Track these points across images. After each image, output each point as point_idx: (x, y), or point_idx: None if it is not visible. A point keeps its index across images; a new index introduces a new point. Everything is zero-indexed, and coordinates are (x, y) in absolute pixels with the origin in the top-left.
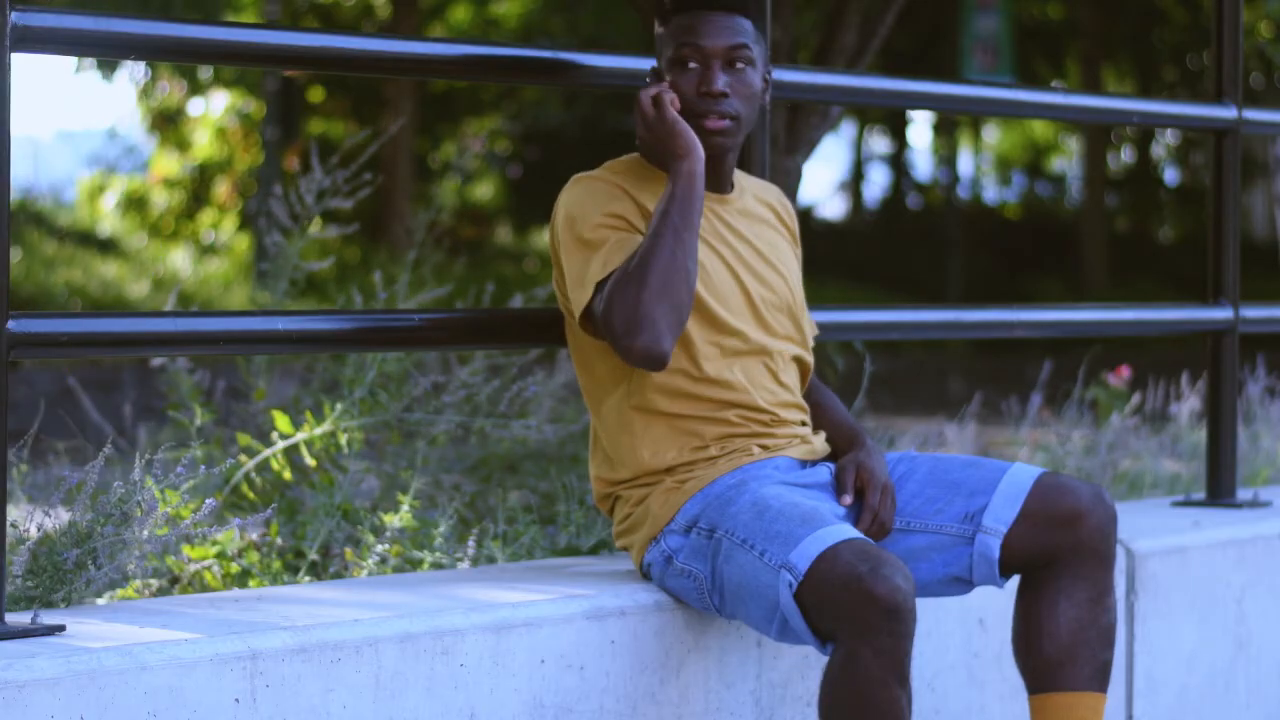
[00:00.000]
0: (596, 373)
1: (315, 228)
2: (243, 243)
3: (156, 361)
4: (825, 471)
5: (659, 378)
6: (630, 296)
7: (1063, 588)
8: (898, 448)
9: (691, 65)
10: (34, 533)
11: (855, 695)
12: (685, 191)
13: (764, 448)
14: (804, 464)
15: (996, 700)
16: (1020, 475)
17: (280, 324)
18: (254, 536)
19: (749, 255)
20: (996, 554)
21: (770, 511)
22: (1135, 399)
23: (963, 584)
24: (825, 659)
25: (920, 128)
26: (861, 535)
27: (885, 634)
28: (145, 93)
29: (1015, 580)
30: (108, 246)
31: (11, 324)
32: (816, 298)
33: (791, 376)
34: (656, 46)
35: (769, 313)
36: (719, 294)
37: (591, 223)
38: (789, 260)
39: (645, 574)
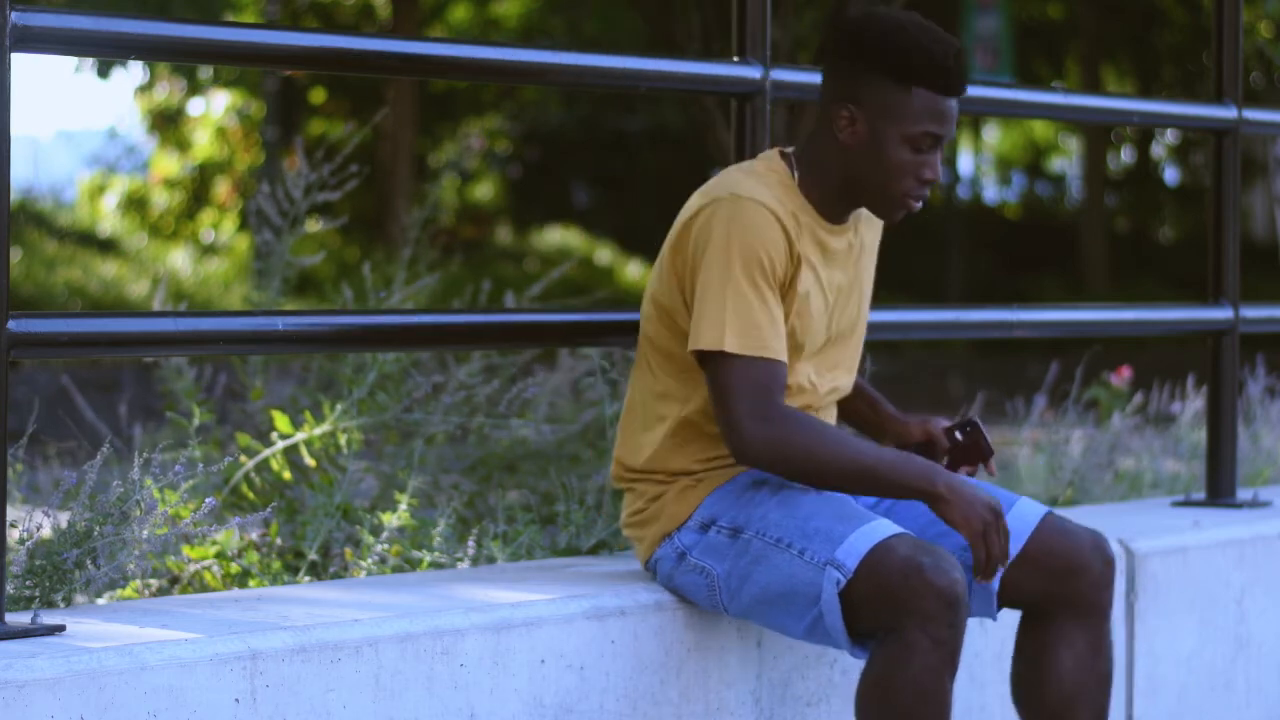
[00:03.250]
0: (668, 375)
1: (306, 224)
2: (243, 243)
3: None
4: None
5: None
6: (795, 447)
7: (1063, 635)
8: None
9: (925, 147)
10: (34, 533)
11: (911, 684)
12: (902, 487)
13: None
14: None
15: (997, 700)
16: (1026, 513)
17: (280, 324)
18: (254, 536)
19: (844, 287)
20: (995, 588)
21: (803, 509)
22: (1137, 399)
23: None
24: (829, 660)
25: None
26: (900, 530)
27: (946, 625)
28: (144, 89)
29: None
30: (108, 246)
31: (11, 324)
32: None
33: (830, 416)
34: (865, 89)
35: (836, 348)
36: (810, 336)
37: (748, 269)
38: (870, 283)
39: (650, 570)
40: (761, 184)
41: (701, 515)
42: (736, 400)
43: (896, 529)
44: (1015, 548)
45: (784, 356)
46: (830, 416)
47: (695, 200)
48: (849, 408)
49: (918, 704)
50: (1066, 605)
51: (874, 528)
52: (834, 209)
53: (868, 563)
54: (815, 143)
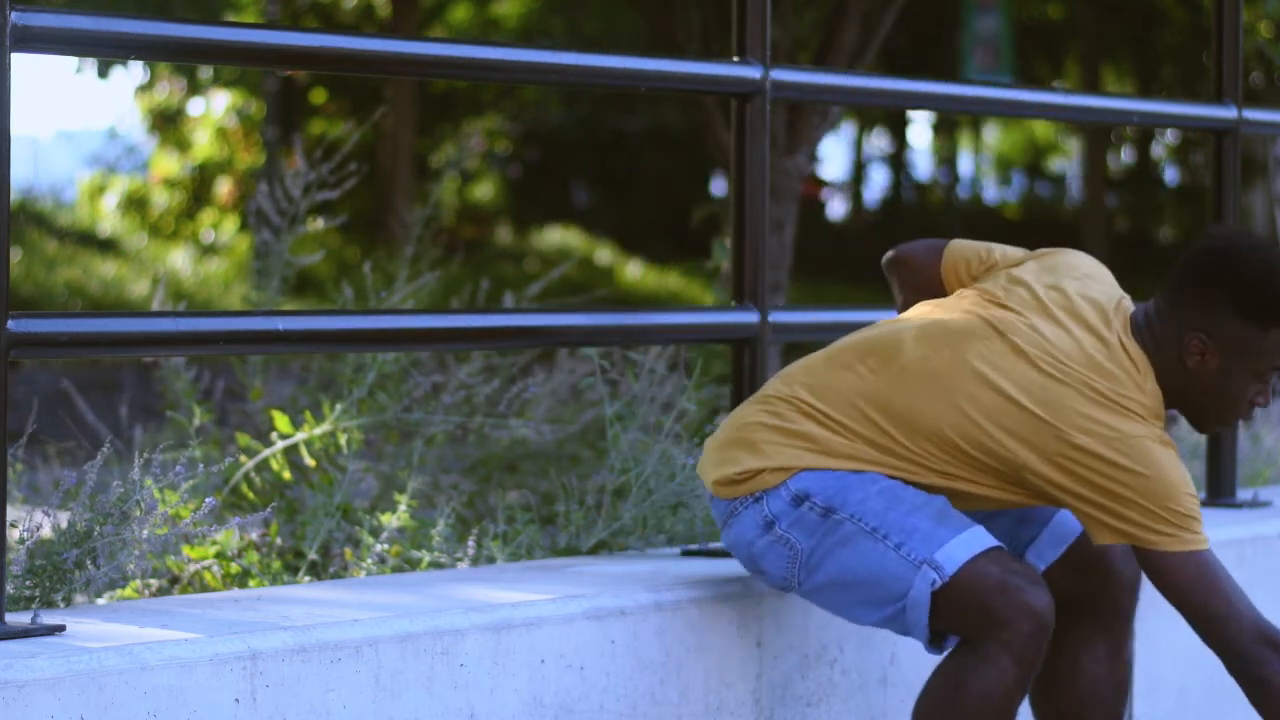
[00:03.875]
0: (947, 473)
1: (306, 223)
2: (243, 243)
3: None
4: None
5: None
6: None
7: (1084, 640)
8: None
9: (1268, 377)
10: (33, 533)
11: (986, 698)
12: None
13: None
14: None
15: None
16: (1072, 518)
17: (279, 324)
18: (254, 536)
19: None
20: None
21: (903, 504)
22: None
23: None
24: (829, 660)
25: (920, 128)
26: (997, 543)
27: (1032, 648)
28: (144, 89)
29: None
30: (108, 246)
31: (11, 324)
32: (817, 298)
33: None
34: (1222, 324)
35: None
36: None
37: (1192, 518)
38: None
39: (721, 515)
40: (1160, 429)
41: (796, 487)
42: (1228, 613)
43: (994, 541)
44: (1056, 551)
45: None
46: None
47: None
48: None
49: (985, 715)
50: (1094, 607)
51: (974, 536)
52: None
53: (965, 571)
54: (1162, 352)
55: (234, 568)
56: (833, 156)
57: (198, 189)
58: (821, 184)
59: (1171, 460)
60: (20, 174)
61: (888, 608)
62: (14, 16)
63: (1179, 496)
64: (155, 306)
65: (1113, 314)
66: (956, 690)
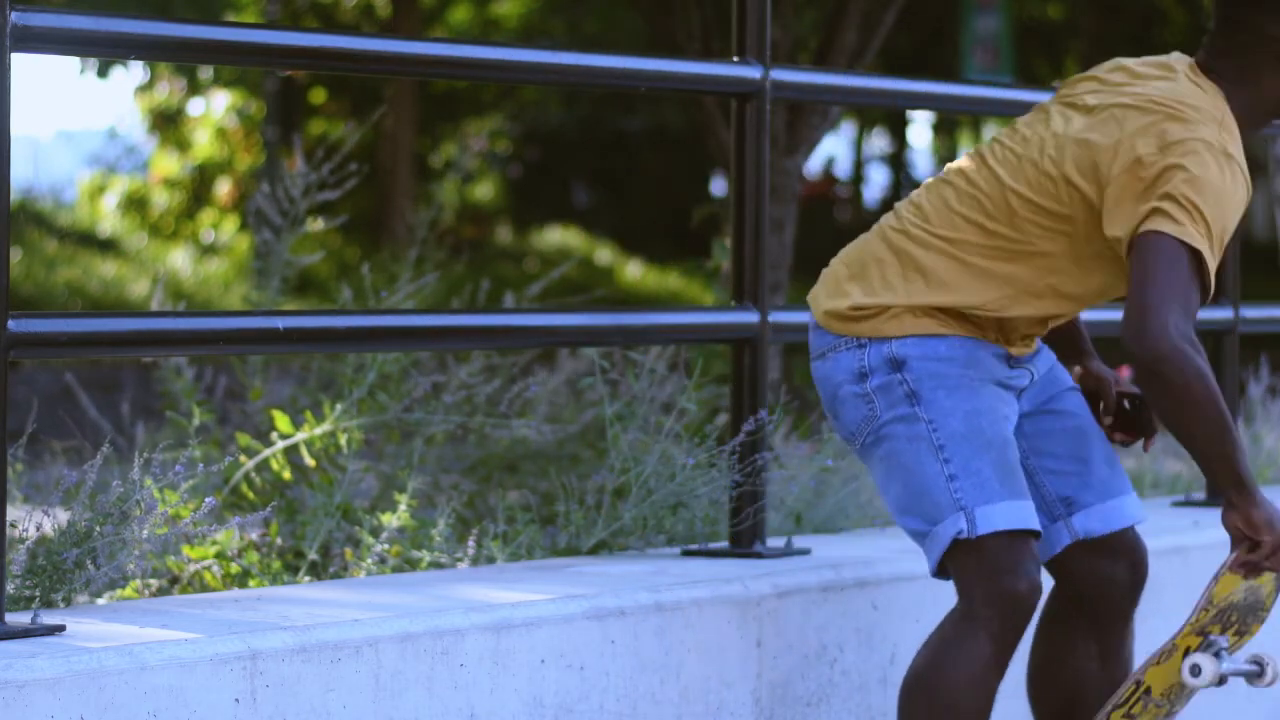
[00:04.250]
0: (1036, 250)
1: (306, 223)
2: (243, 243)
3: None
4: (1025, 377)
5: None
6: (1194, 366)
7: (1082, 635)
8: None
9: None
10: (33, 532)
11: (967, 672)
12: (1224, 462)
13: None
14: (1012, 360)
15: (996, 700)
16: (1129, 509)
17: (279, 324)
18: (254, 536)
19: None
20: (1053, 552)
21: (979, 439)
22: None
23: None
24: (829, 660)
25: (920, 128)
26: (1036, 525)
27: (1011, 630)
28: (144, 89)
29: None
30: (108, 246)
31: (11, 324)
32: None
33: None
34: None
35: None
36: None
37: (1214, 223)
38: None
39: (819, 353)
40: (1226, 133)
41: (898, 351)
42: (1173, 291)
43: (1034, 524)
44: (1102, 528)
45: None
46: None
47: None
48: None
49: (964, 688)
50: (1089, 609)
51: (1018, 511)
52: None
53: (990, 540)
54: (1229, 79)
55: (234, 568)
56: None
57: (198, 189)
58: (834, 181)
59: (1222, 168)
60: (20, 174)
61: (913, 520)
62: (14, 16)
63: (1207, 194)
64: (155, 306)
65: (1174, 62)
66: (938, 666)
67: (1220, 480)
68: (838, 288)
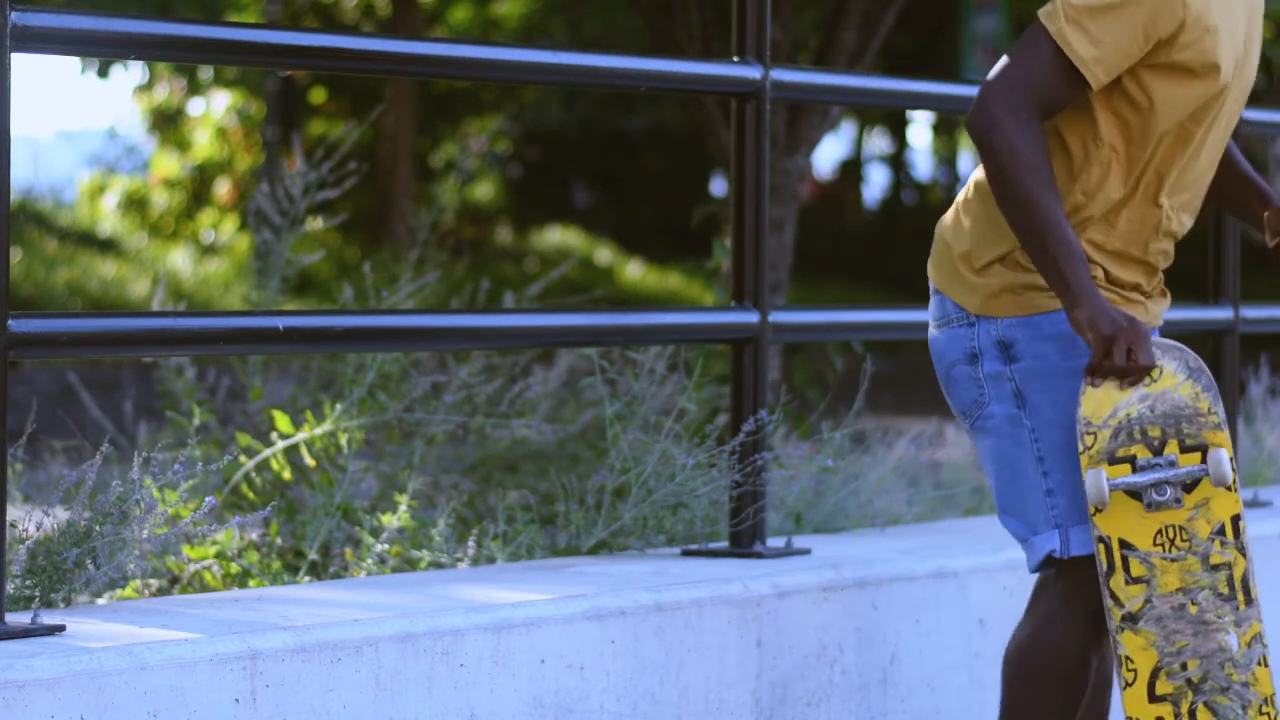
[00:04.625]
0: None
1: (306, 223)
2: (243, 243)
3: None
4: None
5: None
6: (1003, 145)
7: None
8: (896, 449)
9: None
10: (33, 532)
11: (1060, 641)
12: (1050, 263)
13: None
14: None
15: (996, 700)
16: None
17: (279, 324)
18: (254, 536)
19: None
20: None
21: (1078, 450)
22: None
23: None
24: (829, 660)
25: (920, 128)
26: None
27: (1095, 640)
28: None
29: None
30: (108, 246)
31: (11, 324)
32: (816, 297)
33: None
34: None
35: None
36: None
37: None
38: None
39: (935, 322)
40: None
41: (1004, 331)
42: (1015, 69)
43: None
44: None
45: (1095, 86)
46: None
47: None
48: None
49: (1049, 676)
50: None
51: None
52: None
53: (1078, 566)
54: None
55: (234, 568)
56: (832, 156)
57: (198, 189)
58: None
59: None
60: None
61: (1013, 522)
62: (14, 16)
63: None
64: (155, 306)
65: None
66: (1036, 640)
67: (1042, 274)
68: (943, 246)
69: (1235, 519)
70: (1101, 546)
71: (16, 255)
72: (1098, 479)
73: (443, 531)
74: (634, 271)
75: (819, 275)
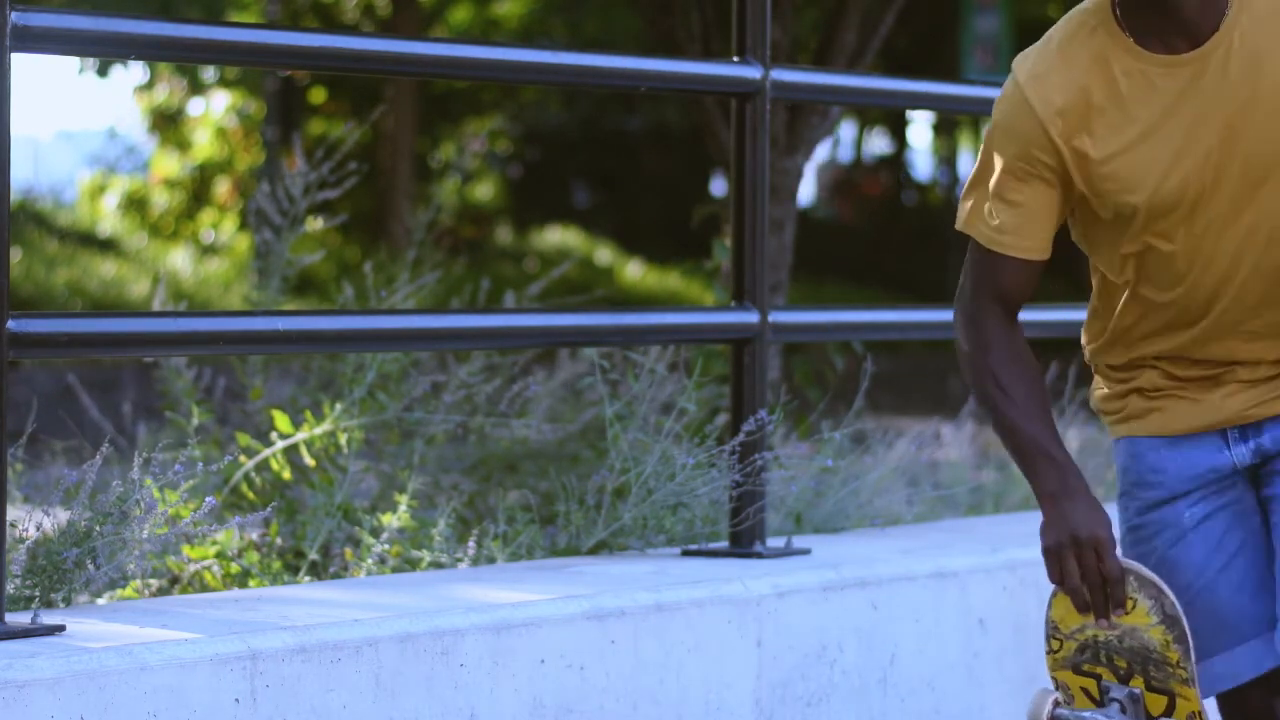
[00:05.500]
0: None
1: (306, 223)
2: (243, 243)
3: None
4: (1246, 451)
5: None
6: (963, 352)
7: None
8: (896, 449)
9: None
10: (33, 532)
11: None
12: (1025, 470)
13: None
14: (1231, 438)
15: (996, 700)
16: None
17: (279, 324)
18: (254, 536)
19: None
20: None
21: (1186, 605)
22: None
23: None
24: (828, 660)
25: (920, 128)
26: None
27: None
28: (144, 89)
29: None
30: (108, 246)
31: (11, 324)
32: (816, 297)
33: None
34: None
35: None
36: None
37: (986, 180)
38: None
39: None
40: (1062, 41)
41: (1119, 479)
42: (961, 280)
43: (1260, 665)
44: (1222, 685)
45: (1020, 252)
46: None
47: None
48: None
49: None
50: None
51: (1240, 661)
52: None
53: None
54: None
55: (234, 568)
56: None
57: (198, 189)
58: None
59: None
60: (20, 174)
61: None
62: (14, 16)
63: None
64: (155, 306)
65: None
66: None
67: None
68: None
69: None
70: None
71: (16, 255)
72: (1041, 703)
73: (443, 531)
74: (634, 271)
75: (818, 275)
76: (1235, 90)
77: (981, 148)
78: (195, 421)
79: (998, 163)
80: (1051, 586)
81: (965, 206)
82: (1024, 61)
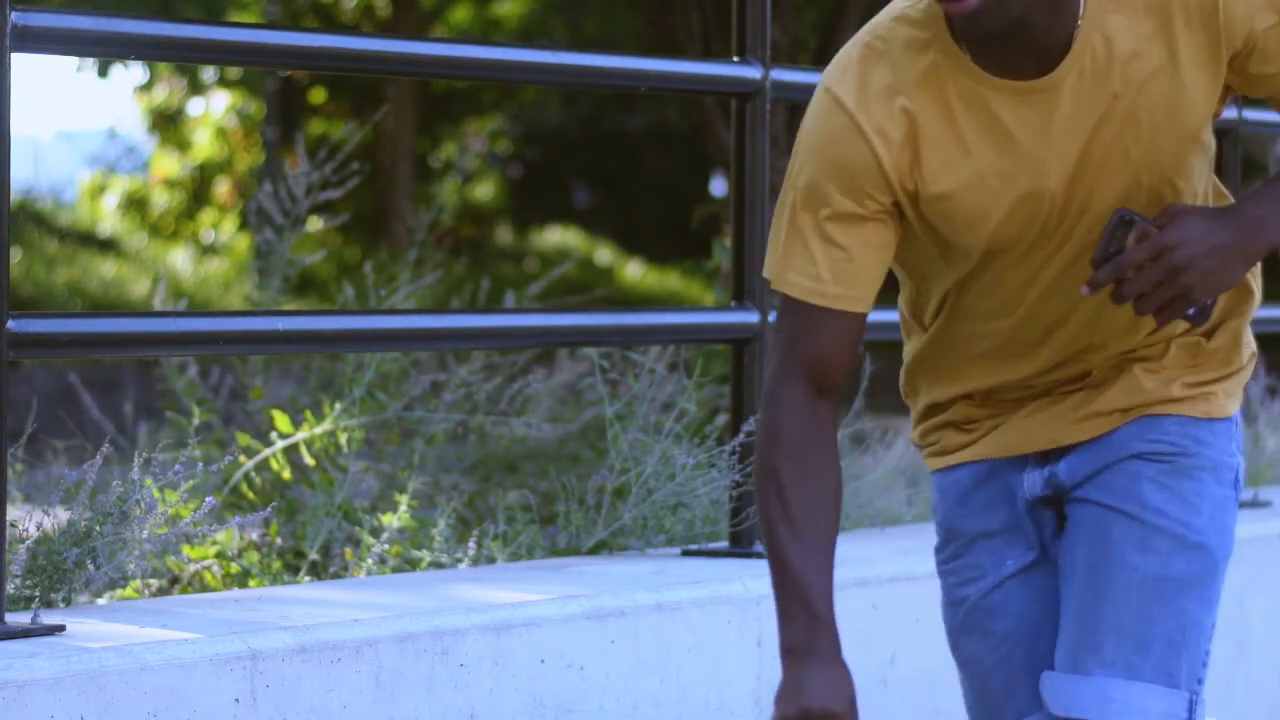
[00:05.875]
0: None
1: (306, 223)
2: (243, 243)
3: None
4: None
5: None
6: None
7: None
8: (896, 449)
9: None
10: (33, 532)
11: None
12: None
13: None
14: (1028, 465)
15: None
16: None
17: (280, 324)
18: (254, 536)
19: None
20: None
21: (962, 681)
22: None
23: None
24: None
25: None
26: None
27: None
28: (144, 89)
29: None
30: (108, 246)
31: (11, 324)
32: None
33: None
34: None
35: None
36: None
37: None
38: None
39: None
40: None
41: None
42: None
43: None
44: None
45: (847, 304)
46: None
47: None
48: None
49: None
50: None
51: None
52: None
53: None
54: None
55: (234, 568)
56: None
57: (198, 189)
58: None
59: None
60: (20, 174)
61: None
62: (14, 16)
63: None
64: (155, 306)
65: None
66: None
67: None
68: None
69: None
70: None
71: (16, 255)
72: None
73: (443, 531)
74: (634, 271)
75: None
76: (1087, 121)
77: (787, 183)
78: (196, 421)
79: (817, 199)
80: None
81: (773, 258)
82: (844, 75)
